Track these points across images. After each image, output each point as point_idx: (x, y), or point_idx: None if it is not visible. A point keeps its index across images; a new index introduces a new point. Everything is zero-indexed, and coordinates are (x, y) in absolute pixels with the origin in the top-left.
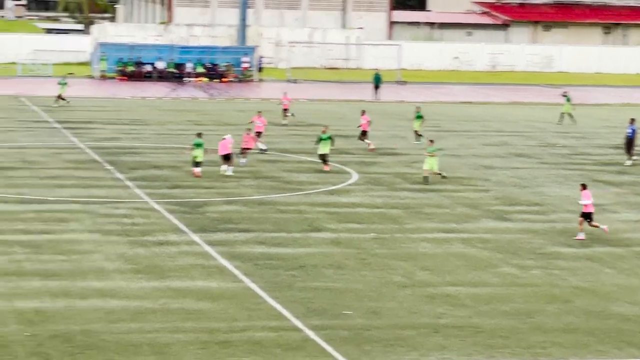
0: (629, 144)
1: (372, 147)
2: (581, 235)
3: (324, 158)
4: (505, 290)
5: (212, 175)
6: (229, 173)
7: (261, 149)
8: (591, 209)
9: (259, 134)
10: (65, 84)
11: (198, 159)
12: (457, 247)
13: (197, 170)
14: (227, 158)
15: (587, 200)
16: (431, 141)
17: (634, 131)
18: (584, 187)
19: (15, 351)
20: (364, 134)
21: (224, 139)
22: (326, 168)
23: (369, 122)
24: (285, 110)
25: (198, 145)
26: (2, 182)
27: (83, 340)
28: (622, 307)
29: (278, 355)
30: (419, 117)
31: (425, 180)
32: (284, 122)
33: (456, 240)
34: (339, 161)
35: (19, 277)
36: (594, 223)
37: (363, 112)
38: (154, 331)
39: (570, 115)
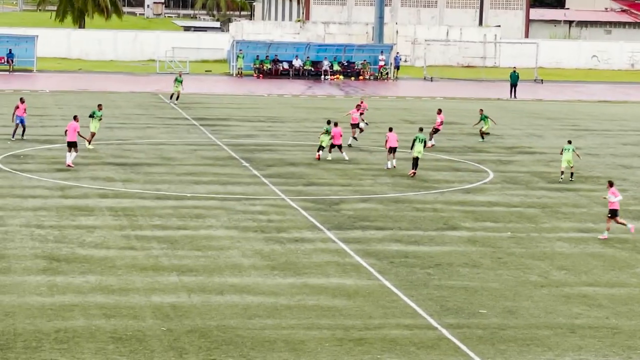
0: None
1: (432, 144)
2: (605, 235)
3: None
4: None
5: (348, 173)
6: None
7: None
8: (617, 206)
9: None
10: (181, 81)
11: (323, 144)
12: (594, 247)
13: (319, 153)
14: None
15: (614, 197)
16: (569, 142)
17: None
18: (610, 184)
19: (152, 345)
20: (435, 132)
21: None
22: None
23: (442, 122)
24: (361, 114)
25: (327, 132)
26: (140, 178)
27: (219, 335)
28: None
29: (412, 353)
30: (484, 118)
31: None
32: (361, 125)
33: (593, 240)
34: (475, 159)
35: (156, 272)
36: (620, 220)
37: (439, 111)
38: (289, 327)
39: None
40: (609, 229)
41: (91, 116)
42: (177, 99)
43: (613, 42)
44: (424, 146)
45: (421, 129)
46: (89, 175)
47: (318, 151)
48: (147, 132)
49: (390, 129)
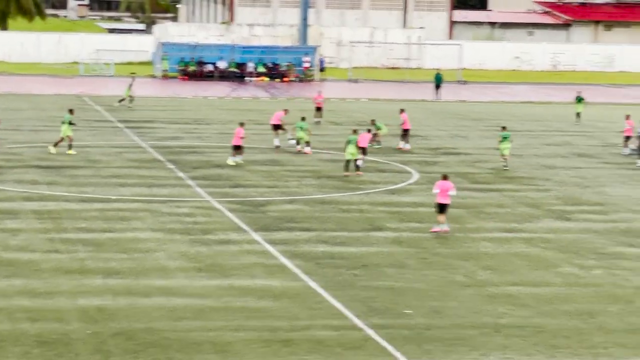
0: None
1: (402, 147)
2: (438, 227)
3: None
4: (568, 290)
5: (274, 175)
6: (231, 162)
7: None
8: (448, 201)
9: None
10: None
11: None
12: (518, 247)
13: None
14: (237, 148)
15: (437, 190)
16: (504, 127)
17: None
18: (444, 177)
19: (78, 349)
20: (405, 133)
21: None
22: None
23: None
24: (318, 109)
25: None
26: (65, 181)
27: (145, 338)
28: None
29: (339, 354)
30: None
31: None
32: (316, 120)
33: (518, 240)
34: (400, 160)
35: (82, 275)
36: (442, 218)
37: (402, 110)
38: (216, 329)
39: (578, 114)
40: (442, 221)
41: (65, 122)
42: (130, 102)
43: (535, 43)
44: (357, 147)
45: (355, 131)
46: (13, 178)
47: (346, 168)
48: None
49: (369, 130)
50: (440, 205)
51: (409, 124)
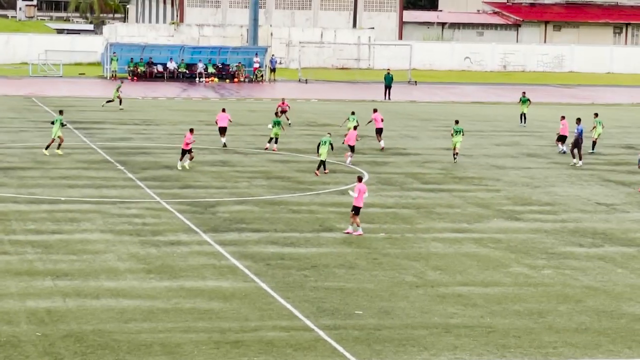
0: (577, 144)
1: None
2: (350, 229)
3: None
4: (517, 290)
5: (223, 175)
6: (179, 167)
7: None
8: (360, 204)
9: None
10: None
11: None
12: (468, 247)
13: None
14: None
15: (355, 194)
16: (457, 121)
17: (581, 132)
18: (359, 179)
19: (27, 351)
20: (379, 132)
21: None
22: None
23: (382, 120)
24: (284, 112)
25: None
26: (14, 183)
27: (95, 340)
28: (634, 307)
29: (289, 355)
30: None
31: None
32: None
33: (468, 240)
34: (350, 161)
35: (31, 276)
36: (357, 220)
37: (375, 110)
38: (165, 331)
39: (523, 115)
40: (355, 224)
41: (55, 123)
42: (120, 103)
43: (485, 43)
44: (332, 148)
45: (330, 134)
46: None
47: (318, 168)
48: (20, 135)
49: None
50: (357, 208)
51: (380, 123)
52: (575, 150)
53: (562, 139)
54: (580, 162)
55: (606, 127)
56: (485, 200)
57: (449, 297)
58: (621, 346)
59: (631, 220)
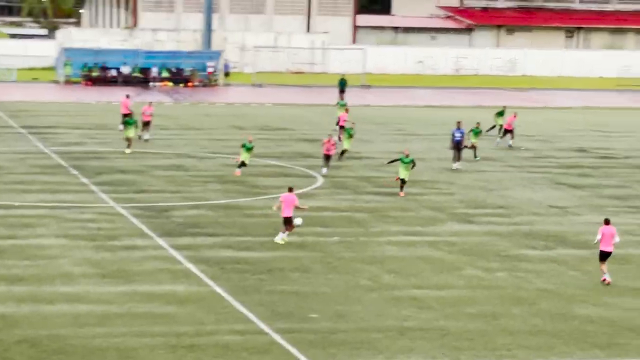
0: (457, 147)
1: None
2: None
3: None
4: (471, 292)
5: (177, 180)
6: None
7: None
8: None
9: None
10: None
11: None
12: (422, 250)
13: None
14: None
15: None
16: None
17: (462, 134)
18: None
19: None
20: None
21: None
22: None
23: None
24: (147, 122)
25: (248, 148)
26: None
27: (50, 345)
28: (586, 308)
29: (244, 359)
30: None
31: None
32: (145, 136)
33: (422, 244)
34: (304, 165)
35: None
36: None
37: (346, 110)
38: (120, 335)
39: (495, 126)
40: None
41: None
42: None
43: (438, 47)
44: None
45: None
46: None
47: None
48: None
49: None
50: (285, 218)
51: (342, 122)
52: (455, 152)
53: (507, 132)
54: (459, 164)
55: (558, 131)
56: (439, 204)
57: (404, 300)
58: (574, 348)
59: (583, 223)
